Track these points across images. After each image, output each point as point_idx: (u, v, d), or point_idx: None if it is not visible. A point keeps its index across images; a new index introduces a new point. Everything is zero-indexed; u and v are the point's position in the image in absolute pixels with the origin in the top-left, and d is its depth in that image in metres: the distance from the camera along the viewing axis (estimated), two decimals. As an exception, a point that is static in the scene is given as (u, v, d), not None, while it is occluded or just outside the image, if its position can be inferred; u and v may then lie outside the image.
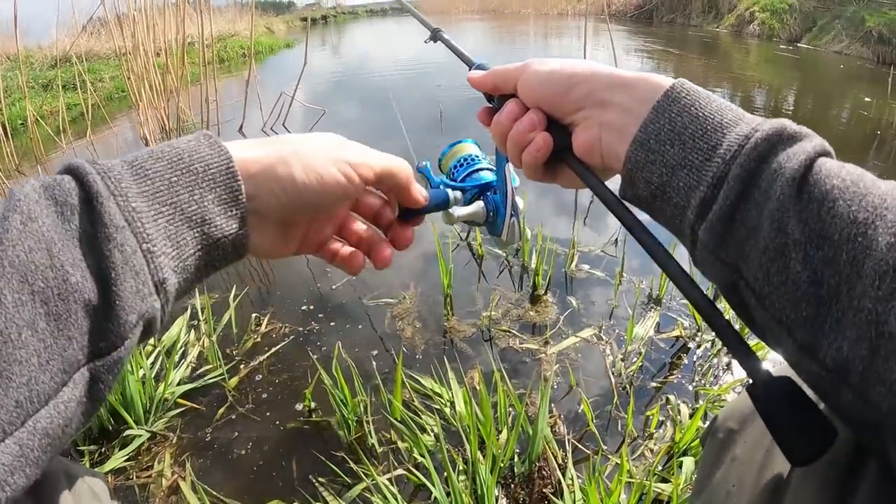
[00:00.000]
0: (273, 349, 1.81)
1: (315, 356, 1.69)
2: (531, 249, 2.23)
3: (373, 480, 1.27)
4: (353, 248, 0.47)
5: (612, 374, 1.63)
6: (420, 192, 0.48)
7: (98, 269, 0.30)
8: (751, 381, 0.33)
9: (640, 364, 1.65)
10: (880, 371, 0.26)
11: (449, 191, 0.54)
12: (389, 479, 1.29)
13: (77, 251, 0.30)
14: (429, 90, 6.77)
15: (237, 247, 0.38)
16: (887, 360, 0.26)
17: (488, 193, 0.71)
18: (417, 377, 1.60)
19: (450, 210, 0.67)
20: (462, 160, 0.75)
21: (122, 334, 0.30)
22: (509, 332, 1.85)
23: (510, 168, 0.65)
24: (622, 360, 1.67)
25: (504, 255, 2.32)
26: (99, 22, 7.13)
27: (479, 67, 0.53)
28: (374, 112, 4.79)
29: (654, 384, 1.59)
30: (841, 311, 0.28)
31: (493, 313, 1.94)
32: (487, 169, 0.72)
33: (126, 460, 1.41)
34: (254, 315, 2.00)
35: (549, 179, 0.49)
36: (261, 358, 1.78)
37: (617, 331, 1.83)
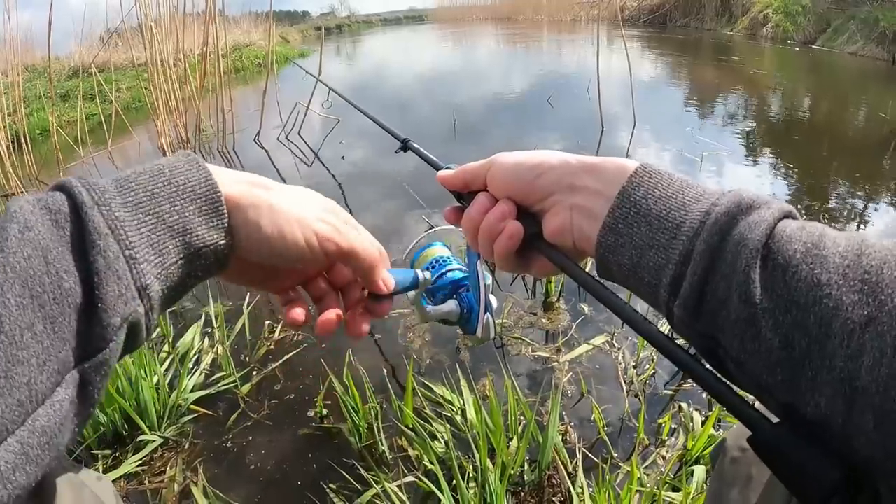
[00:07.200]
0: (286, 357, 1.83)
1: (327, 364, 1.70)
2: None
3: (382, 487, 1.27)
4: (302, 308, 0.46)
5: (624, 381, 1.62)
6: (384, 281, 0.48)
7: (85, 274, 0.32)
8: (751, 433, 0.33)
9: (653, 371, 1.63)
10: (858, 423, 0.27)
11: (418, 271, 0.54)
12: (399, 487, 1.29)
13: (69, 257, 0.32)
14: (443, 97, 6.79)
15: (220, 258, 0.39)
16: (863, 413, 0.27)
17: (461, 291, 0.71)
18: (429, 384, 1.60)
19: (424, 309, 0.68)
20: (433, 262, 0.76)
21: (106, 336, 0.32)
22: (521, 339, 1.85)
23: (482, 267, 0.65)
24: (634, 367, 1.66)
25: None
26: (116, 33, 7.27)
27: (448, 169, 0.53)
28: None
29: (666, 391, 1.57)
30: (814, 371, 0.29)
31: (505, 320, 1.94)
32: (458, 269, 0.73)
33: (139, 465, 1.43)
34: (267, 322, 2.02)
35: (522, 269, 0.49)
36: (273, 365, 1.79)
37: (629, 338, 1.81)
